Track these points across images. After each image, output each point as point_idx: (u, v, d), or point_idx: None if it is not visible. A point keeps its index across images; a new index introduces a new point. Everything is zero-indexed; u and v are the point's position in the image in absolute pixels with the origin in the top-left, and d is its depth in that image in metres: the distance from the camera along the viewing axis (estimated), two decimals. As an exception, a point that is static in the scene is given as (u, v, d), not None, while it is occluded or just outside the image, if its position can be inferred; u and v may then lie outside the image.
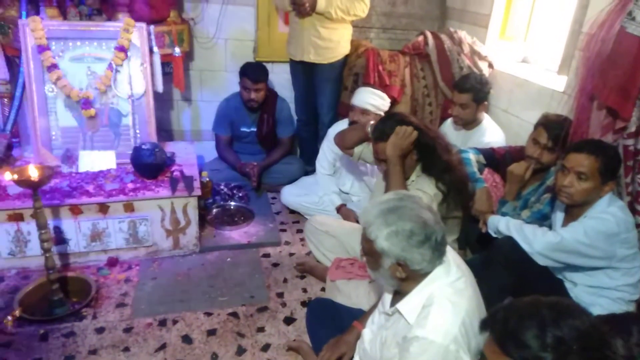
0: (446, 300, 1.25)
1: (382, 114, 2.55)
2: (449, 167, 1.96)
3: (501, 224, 1.90)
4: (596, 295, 1.74)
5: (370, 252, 1.31)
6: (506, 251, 1.79)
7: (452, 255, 1.37)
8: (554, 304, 0.94)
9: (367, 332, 1.51)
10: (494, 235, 1.95)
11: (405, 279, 1.31)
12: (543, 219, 2.03)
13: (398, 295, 1.38)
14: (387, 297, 1.44)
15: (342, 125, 2.76)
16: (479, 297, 1.34)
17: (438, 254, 1.27)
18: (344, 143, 2.34)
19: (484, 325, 1.00)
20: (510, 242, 1.80)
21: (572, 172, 1.70)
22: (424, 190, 1.91)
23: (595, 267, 1.73)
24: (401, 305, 1.33)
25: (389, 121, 1.96)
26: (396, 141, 1.89)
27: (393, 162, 1.88)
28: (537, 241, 1.74)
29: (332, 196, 2.86)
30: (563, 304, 0.95)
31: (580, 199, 1.72)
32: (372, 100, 2.60)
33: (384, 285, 1.41)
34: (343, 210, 2.79)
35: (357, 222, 2.67)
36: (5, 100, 2.70)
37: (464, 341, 1.21)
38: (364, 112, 2.57)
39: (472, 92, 2.56)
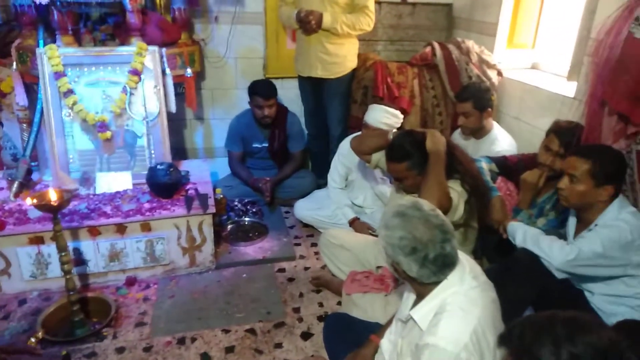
0: (458, 308, 1.25)
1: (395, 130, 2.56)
2: (469, 173, 2.00)
3: (518, 235, 1.89)
4: (615, 304, 1.72)
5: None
6: (525, 263, 1.78)
7: (470, 265, 1.37)
8: (571, 319, 0.92)
9: (386, 342, 1.52)
10: (514, 242, 1.94)
11: (409, 282, 1.35)
12: (560, 227, 2.01)
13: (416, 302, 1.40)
14: (405, 306, 1.44)
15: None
16: (495, 309, 1.34)
17: (427, 271, 1.27)
18: (362, 148, 2.30)
19: (501, 340, 0.99)
20: (528, 253, 1.79)
21: (567, 174, 1.74)
22: (452, 187, 1.92)
23: (611, 275, 1.71)
24: (414, 311, 1.34)
25: (405, 140, 1.96)
26: (434, 139, 1.91)
27: (440, 157, 1.87)
28: (554, 257, 1.73)
29: (345, 209, 2.86)
30: (580, 320, 0.93)
31: (575, 201, 1.75)
32: (386, 119, 2.61)
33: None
34: (356, 224, 2.79)
35: (371, 234, 2.68)
36: (24, 125, 2.78)
37: (476, 350, 1.20)
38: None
39: (473, 100, 2.58)
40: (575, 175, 1.71)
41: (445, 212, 1.41)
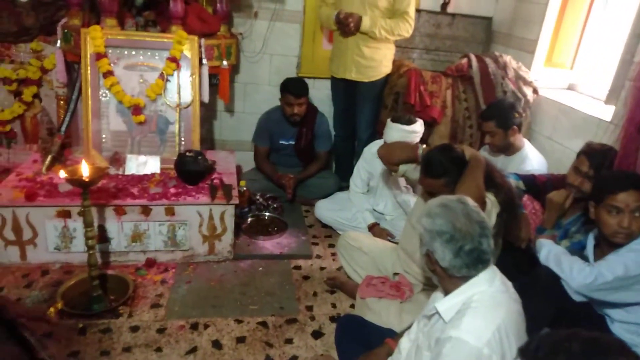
0: (483, 306, 1.26)
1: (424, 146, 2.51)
2: (505, 187, 1.98)
3: (543, 252, 1.86)
4: (636, 334, 1.67)
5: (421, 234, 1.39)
6: (545, 280, 1.75)
7: (501, 275, 1.37)
8: (590, 339, 0.89)
9: (405, 341, 1.52)
10: (539, 259, 1.91)
11: (439, 275, 1.35)
12: (583, 250, 1.97)
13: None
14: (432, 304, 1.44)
15: (379, 144, 2.74)
16: (520, 320, 1.32)
17: (460, 262, 1.28)
18: (390, 159, 2.24)
19: (520, 353, 0.98)
20: (550, 271, 1.76)
21: (627, 211, 1.64)
22: (487, 196, 1.90)
23: (631, 302, 1.67)
24: (440, 304, 1.35)
25: (444, 156, 1.94)
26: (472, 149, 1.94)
27: (481, 162, 1.87)
28: (573, 278, 1.70)
29: (365, 214, 2.86)
30: (601, 340, 0.90)
31: None
32: (404, 138, 2.51)
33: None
34: (376, 229, 2.79)
35: (390, 241, 2.67)
36: (62, 102, 2.86)
37: (498, 348, 1.20)
38: None
39: (495, 119, 2.56)
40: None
41: None
